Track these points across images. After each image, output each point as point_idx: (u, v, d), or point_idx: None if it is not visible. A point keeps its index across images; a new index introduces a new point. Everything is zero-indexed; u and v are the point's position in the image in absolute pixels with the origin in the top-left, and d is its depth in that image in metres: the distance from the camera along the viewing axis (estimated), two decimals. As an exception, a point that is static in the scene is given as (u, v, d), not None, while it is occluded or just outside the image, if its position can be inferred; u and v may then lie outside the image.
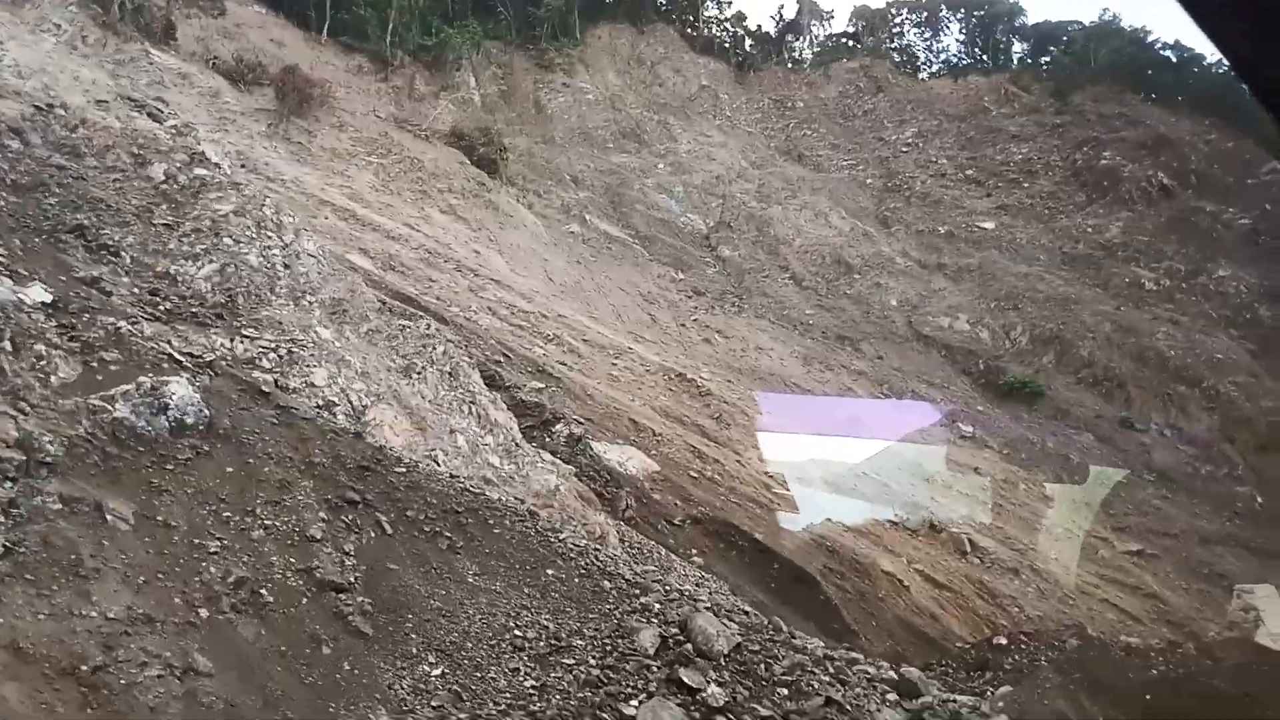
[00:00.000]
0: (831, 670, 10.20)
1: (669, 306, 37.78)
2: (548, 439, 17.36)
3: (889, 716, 9.91)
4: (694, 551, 17.82)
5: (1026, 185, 57.55)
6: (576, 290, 35.11)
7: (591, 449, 18.03)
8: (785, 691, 9.71)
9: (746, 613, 11.18)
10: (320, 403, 10.82)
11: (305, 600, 7.69)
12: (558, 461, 14.68)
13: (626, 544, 14.30)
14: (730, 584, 17.34)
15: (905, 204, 56.98)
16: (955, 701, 10.32)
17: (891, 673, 10.42)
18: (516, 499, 12.79)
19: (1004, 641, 13.64)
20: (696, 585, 13.83)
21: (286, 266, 12.59)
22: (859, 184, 57.03)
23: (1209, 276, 48.84)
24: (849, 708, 9.73)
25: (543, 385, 19.43)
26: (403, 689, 7.47)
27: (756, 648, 10.17)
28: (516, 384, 18.68)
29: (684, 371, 28.00)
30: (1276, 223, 50.93)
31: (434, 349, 14.10)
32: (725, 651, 9.89)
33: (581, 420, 18.23)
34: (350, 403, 11.35)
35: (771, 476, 24.25)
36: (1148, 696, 11.37)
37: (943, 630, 20.20)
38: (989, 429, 34.36)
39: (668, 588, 11.06)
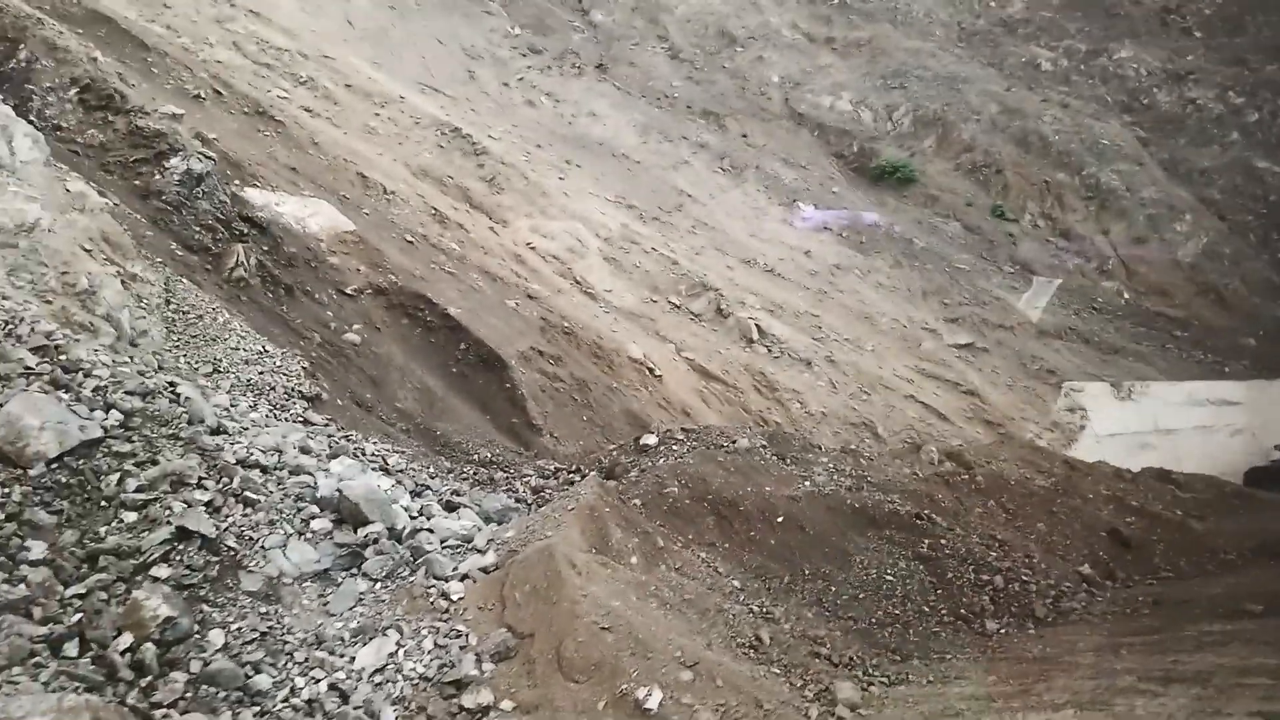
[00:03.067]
0: (231, 485, 6.57)
1: (495, 63, 32.84)
2: (158, 175, 13.26)
3: (301, 554, 6.39)
4: (356, 325, 14.11)
5: (932, -46, 52.20)
6: (378, 37, 29.98)
7: (228, 193, 13.91)
8: (133, 517, 6.12)
9: (172, 394, 7.44)
10: None
11: None
12: (82, 189, 10.58)
13: (172, 302, 10.47)
14: (398, 364, 13.81)
15: (800, -29, 51.53)
16: (441, 526, 6.91)
17: (342, 488, 6.84)
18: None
19: (652, 441, 10.20)
20: (249, 361, 10.10)
21: None
22: (750, -54, 51.20)
23: (1109, 57, 44.75)
24: (228, 545, 6.17)
25: (183, 112, 15.05)
26: None
27: (111, 451, 6.49)
28: (143, 108, 14.28)
29: (461, 126, 23.58)
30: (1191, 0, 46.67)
31: None
32: (51, 455, 6.22)
33: (211, 156, 13.95)
34: None
35: (534, 247, 20.42)
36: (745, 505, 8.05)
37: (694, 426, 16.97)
38: (835, 211, 30.61)
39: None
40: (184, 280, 10.99)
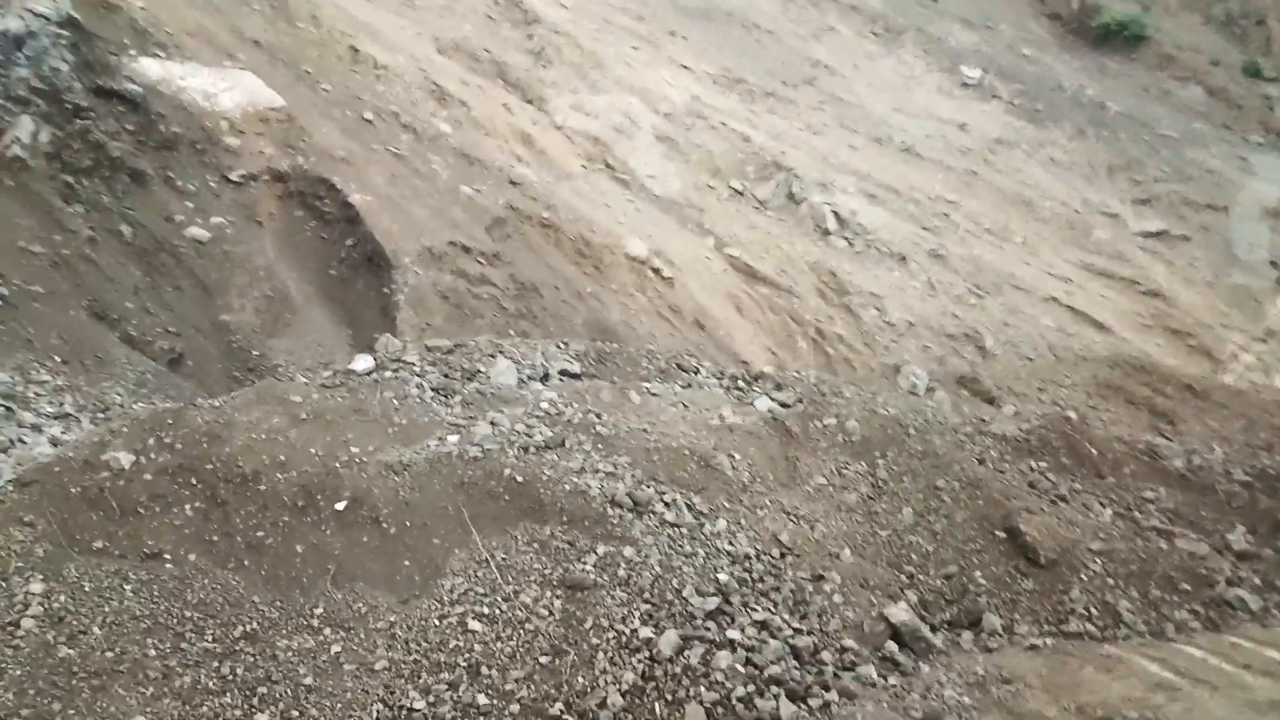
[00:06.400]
0: None
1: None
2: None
3: None
4: (217, 219, 11.32)
5: None
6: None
7: (71, 61, 11.39)
8: None
9: None
10: None
11: None
12: None
13: None
14: (259, 266, 11.02)
15: None
16: None
17: None
18: None
19: (363, 366, 6.65)
20: None
21: None
22: None
23: None
24: None
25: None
26: None
27: None
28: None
29: (518, -7, 20.09)
30: None
31: None
32: None
33: (44, 16, 11.36)
34: None
35: (560, 127, 16.78)
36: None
37: (694, 345, 13.04)
38: (1010, 75, 24.63)
39: None
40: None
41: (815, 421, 5.81)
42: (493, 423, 5.22)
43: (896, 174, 19.17)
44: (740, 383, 7.66)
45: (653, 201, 15.80)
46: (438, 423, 5.22)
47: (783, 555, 4.71)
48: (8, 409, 6.62)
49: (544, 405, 5.50)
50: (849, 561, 4.77)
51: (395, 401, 5.31)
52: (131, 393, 7.79)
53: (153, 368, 8.52)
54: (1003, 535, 5.01)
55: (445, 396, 5.54)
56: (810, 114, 21.50)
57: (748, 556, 4.65)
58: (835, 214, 16.00)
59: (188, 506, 4.49)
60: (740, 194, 16.56)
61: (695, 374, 7.51)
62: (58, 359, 7.82)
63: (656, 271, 13.71)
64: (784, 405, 6.91)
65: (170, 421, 4.79)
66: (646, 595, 4.36)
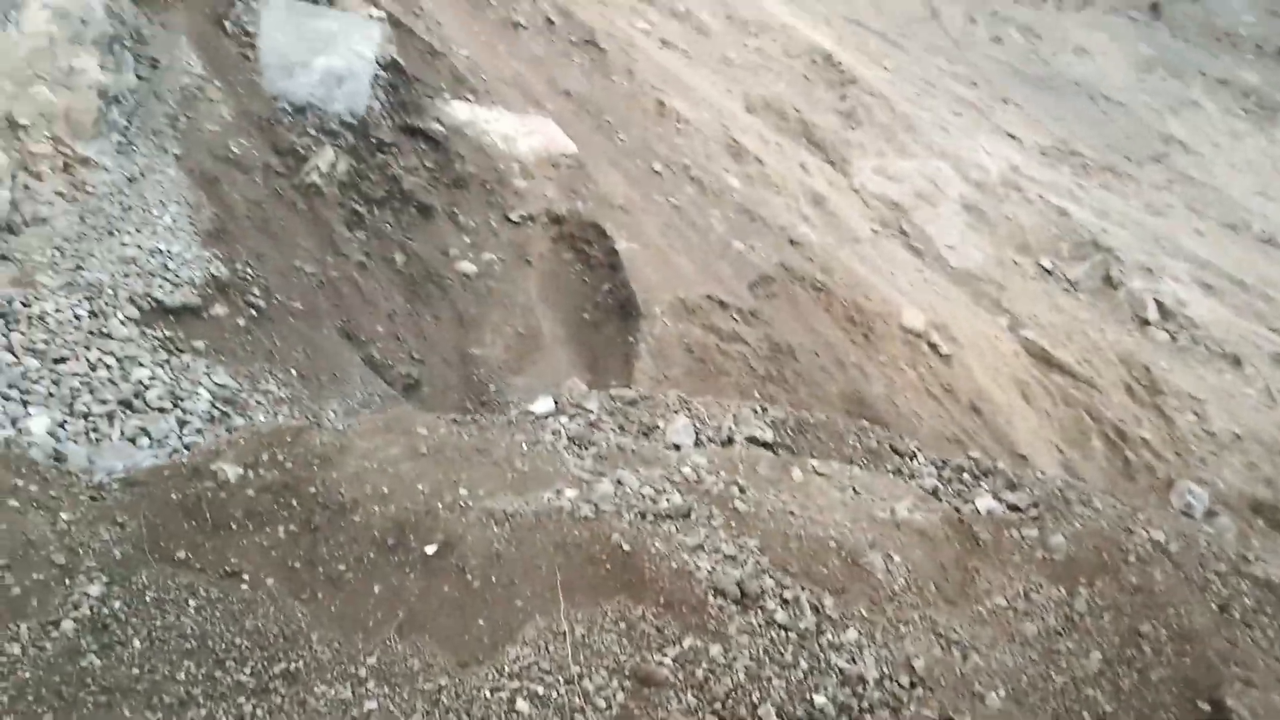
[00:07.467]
0: None
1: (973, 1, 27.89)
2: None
3: None
4: (488, 256, 11.72)
5: None
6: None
7: (387, 101, 12.23)
8: None
9: None
10: None
11: None
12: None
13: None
14: (517, 303, 11.34)
15: None
16: None
17: None
18: None
19: (543, 409, 6.46)
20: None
21: None
22: None
23: None
24: None
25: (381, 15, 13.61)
26: None
27: None
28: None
29: (836, 54, 19.71)
30: None
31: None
32: None
33: (373, 59, 12.28)
34: None
35: (857, 190, 16.08)
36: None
37: (966, 433, 11.80)
38: None
39: None
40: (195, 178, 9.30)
41: (1012, 531, 4.88)
42: (619, 481, 4.78)
43: (1246, 264, 16.82)
44: (965, 475, 6.73)
45: (946, 273, 14.75)
46: (561, 474, 4.85)
47: (912, 685, 3.89)
48: (224, 413, 6.94)
49: (685, 470, 4.98)
50: (995, 707, 3.86)
51: (524, 445, 5.00)
52: (352, 411, 8.03)
53: (384, 391, 8.79)
54: (1206, 708, 3.89)
55: (580, 447, 5.17)
56: (1152, 193, 19.47)
57: (863, 680, 3.87)
58: (1159, 302, 14.15)
59: (281, 529, 4.39)
60: (1049, 272, 15.09)
61: (911, 459, 6.67)
62: (293, 371, 8.21)
63: (934, 347, 12.69)
64: (1013, 508, 5.95)
65: (289, 439, 4.76)
66: (717, 706, 3.72)
